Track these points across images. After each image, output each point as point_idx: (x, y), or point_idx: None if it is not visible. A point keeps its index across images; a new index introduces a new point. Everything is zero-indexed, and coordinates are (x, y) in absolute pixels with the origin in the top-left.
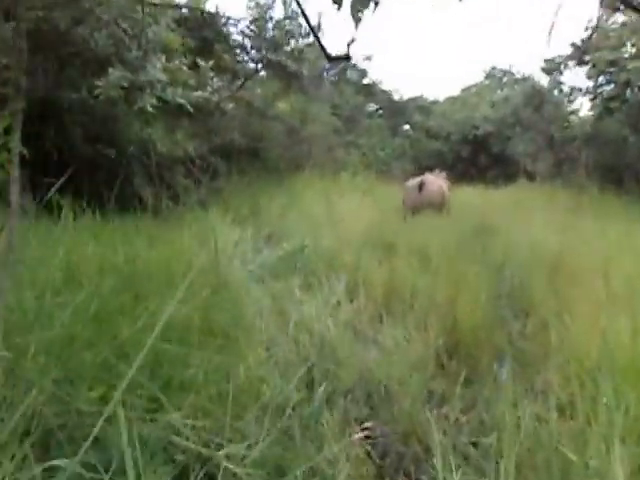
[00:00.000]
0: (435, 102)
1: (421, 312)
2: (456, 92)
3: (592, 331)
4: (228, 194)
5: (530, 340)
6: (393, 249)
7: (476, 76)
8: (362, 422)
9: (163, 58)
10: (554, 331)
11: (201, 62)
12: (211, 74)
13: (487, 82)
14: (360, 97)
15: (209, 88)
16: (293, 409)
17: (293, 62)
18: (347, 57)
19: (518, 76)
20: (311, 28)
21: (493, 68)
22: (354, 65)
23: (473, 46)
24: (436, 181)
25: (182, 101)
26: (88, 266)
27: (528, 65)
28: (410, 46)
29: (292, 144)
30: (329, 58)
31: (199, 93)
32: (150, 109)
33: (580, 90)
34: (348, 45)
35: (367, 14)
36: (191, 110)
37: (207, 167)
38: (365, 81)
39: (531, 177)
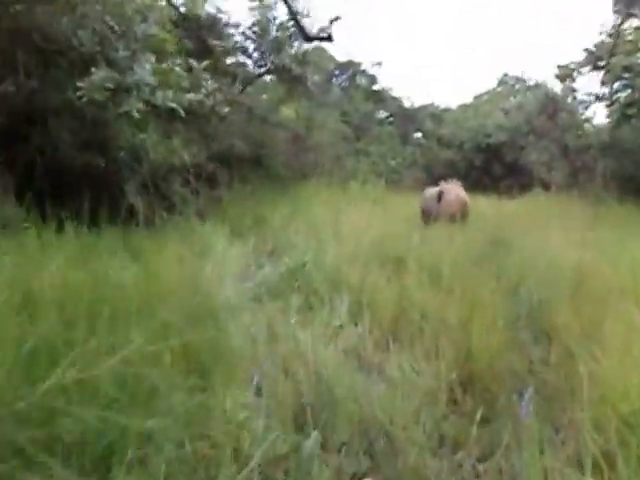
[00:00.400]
0: (447, 110)
1: (432, 337)
2: (468, 99)
3: (625, 362)
4: (228, 204)
5: (554, 370)
6: (403, 265)
7: (488, 83)
8: (360, 478)
9: (153, 58)
10: (581, 361)
11: (194, 63)
12: (207, 76)
13: (499, 89)
14: (370, 104)
15: (203, 90)
16: (277, 464)
17: (297, 65)
18: (329, 37)
19: (531, 83)
20: (289, 6)
21: (505, 75)
22: (363, 71)
23: (485, 52)
24: (454, 190)
25: (173, 105)
26: (53, 288)
27: (541, 71)
28: (421, 53)
29: (298, 152)
30: (307, 38)
31: (192, 95)
32: (136, 114)
33: (597, 97)
34: (331, 22)
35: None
36: (183, 114)
37: (206, 175)
38: (375, 87)
39: (546, 187)
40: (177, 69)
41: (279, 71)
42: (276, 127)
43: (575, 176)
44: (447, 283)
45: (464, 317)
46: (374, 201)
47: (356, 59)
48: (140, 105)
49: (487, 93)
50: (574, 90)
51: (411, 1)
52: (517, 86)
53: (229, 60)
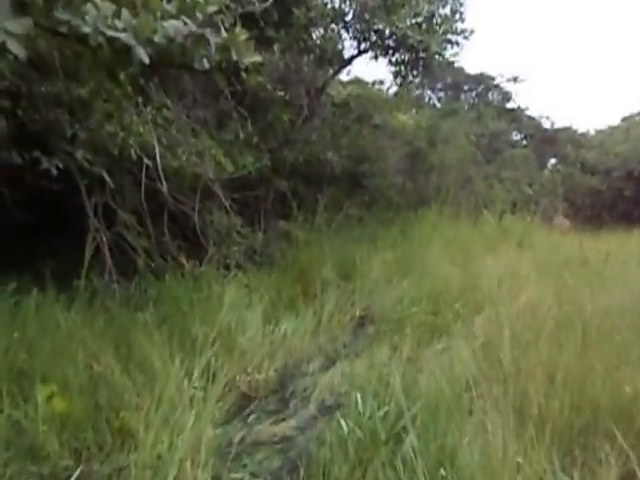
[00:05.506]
0: (584, 134)
1: None
2: (613, 122)
3: None
4: (304, 243)
5: None
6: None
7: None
8: None
9: None
10: None
11: None
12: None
13: None
14: (503, 123)
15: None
16: None
17: (417, 33)
18: None
19: None
20: None
21: None
22: (497, 86)
23: (629, 71)
24: None
25: (121, 36)
26: None
27: None
28: (558, 70)
29: (415, 171)
30: None
31: (176, 23)
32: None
33: None
34: None
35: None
36: (147, 60)
37: (272, 198)
38: (509, 105)
39: None
40: None
41: (387, 46)
42: (385, 135)
43: None
44: None
45: None
46: (519, 242)
47: (489, 72)
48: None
49: (639, 114)
50: None
51: (554, 15)
52: None
53: (315, 33)
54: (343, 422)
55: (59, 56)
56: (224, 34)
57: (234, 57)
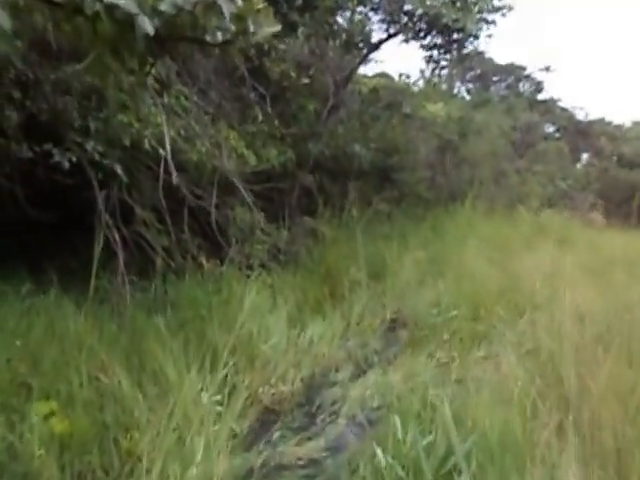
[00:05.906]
0: (620, 126)
1: None
2: None
3: None
4: (330, 241)
5: None
6: None
7: None
8: None
9: None
10: None
11: None
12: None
13: None
14: (535, 115)
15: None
16: None
17: (453, 11)
18: None
19: None
20: None
21: None
22: (528, 76)
23: None
24: None
25: (126, 6)
26: None
27: None
28: (594, 58)
29: (446, 164)
30: None
31: None
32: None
33: None
34: None
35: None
36: (152, 31)
37: (297, 193)
38: (541, 96)
39: None
40: None
41: (418, 29)
42: (415, 127)
43: None
44: None
45: None
46: (560, 239)
47: (519, 63)
48: None
49: None
50: None
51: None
52: None
53: (342, 16)
54: (380, 453)
55: (58, 32)
56: (239, 2)
57: (251, 28)
